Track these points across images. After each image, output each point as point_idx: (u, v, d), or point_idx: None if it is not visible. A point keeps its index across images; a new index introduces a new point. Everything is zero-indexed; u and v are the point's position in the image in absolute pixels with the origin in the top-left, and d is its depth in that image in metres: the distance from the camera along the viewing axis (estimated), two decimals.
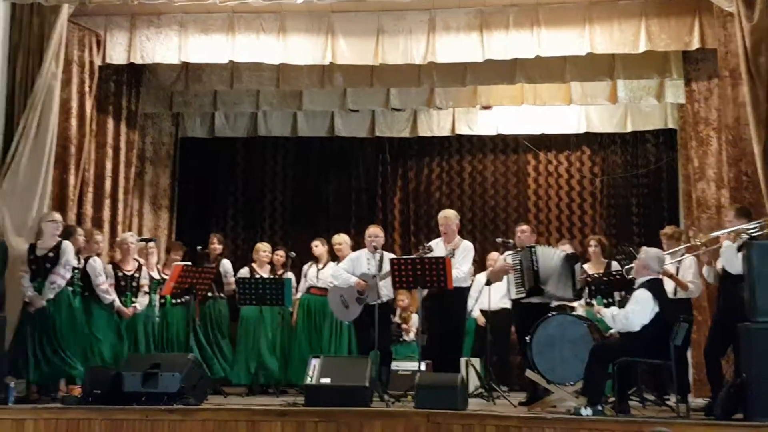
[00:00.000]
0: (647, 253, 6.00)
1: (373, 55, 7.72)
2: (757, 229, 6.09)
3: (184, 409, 5.86)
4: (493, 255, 8.37)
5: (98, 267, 7.09)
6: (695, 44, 7.42)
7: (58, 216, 6.85)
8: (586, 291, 7.43)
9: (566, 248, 7.76)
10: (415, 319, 8.44)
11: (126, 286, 7.29)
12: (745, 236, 6.06)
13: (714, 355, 6.20)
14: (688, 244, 6.74)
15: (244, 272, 8.27)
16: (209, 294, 7.91)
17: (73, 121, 7.71)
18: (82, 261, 7.01)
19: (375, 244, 7.22)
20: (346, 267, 7.35)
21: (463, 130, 9.70)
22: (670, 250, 6.88)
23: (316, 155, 10.35)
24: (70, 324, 6.73)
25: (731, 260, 5.98)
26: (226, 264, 8.36)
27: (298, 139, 10.05)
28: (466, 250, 7.16)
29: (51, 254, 6.63)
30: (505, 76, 8.19)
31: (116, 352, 7.09)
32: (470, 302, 7.43)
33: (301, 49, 7.81)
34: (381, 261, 7.15)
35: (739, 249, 5.94)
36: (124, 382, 6.00)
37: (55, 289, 6.58)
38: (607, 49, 7.57)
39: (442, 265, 6.56)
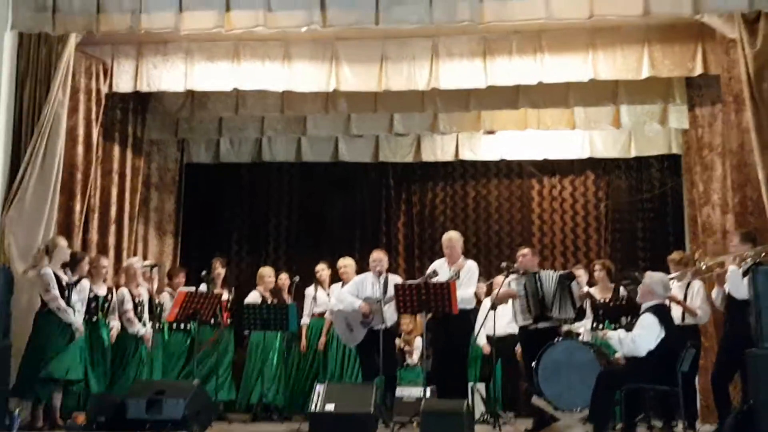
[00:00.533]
0: (651, 278, 6.00)
1: (377, 82, 7.77)
2: (762, 255, 6.09)
3: None
4: (498, 279, 8.38)
5: (127, 296, 7.23)
6: (698, 70, 7.44)
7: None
8: (591, 315, 7.42)
9: (579, 272, 7.77)
10: (418, 341, 8.42)
11: (140, 312, 7.33)
12: (750, 261, 6.06)
13: (721, 381, 6.17)
14: (694, 269, 6.72)
15: (254, 297, 8.26)
16: (212, 321, 7.89)
17: (80, 148, 7.76)
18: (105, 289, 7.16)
19: (379, 268, 7.22)
20: (351, 290, 7.35)
21: (466, 155, 9.73)
22: (675, 274, 6.87)
23: (321, 180, 10.37)
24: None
25: (737, 285, 5.97)
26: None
27: (302, 164, 10.08)
28: (470, 271, 7.16)
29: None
30: (508, 101, 8.23)
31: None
32: (476, 328, 7.41)
33: (305, 75, 7.85)
34: (386, 284, 7.15)
35: (745, 274, 5.93)
36: (128, 409, 5.98)
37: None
38: (610, 75, 7.60)
39: (446, 290, 6.56)
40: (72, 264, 6.80)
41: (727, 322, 6.38)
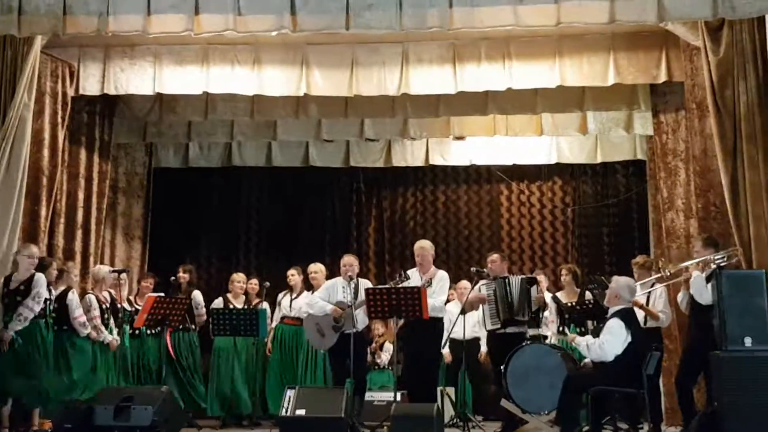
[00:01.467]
0: (618, 282, 6.08)
1: (348, 87, 7.79)
2: (724, 259, 6.20)
3: None
4: (463, 283, 8.45)
5: (76, 300, 7.03)
6: (663, 77, 7.58)
7: (35, 249, 6.79)
8: (558, 319, 7.50)
9: (541, 277, 7.86)
10: (388, 345, 8.45)
11: (107, 318, 7.24)
12: (713, 266, 6.17)
13: (686, 384, 6.27)
14: (659, 275, 6.83)
15: (218, 303, 8.22)
16: (181, 326, 7.83)
17: (45, 152, 7.66)
18: (54, 293, 6.91)
19: (350, 273, 7.22)
20: (322, 295, 7.34)
21: (436, 160, 9.80)
22: (642, 281, 6.97)
23: (291, 185, 10.36)
24: (43, 357, 6.63)
25: (700, 290, 6.08)
26: (197, 296, 8.30)
27: (272, 169, 10.05)
28: (442, 280, 7.20)
29: (23, 287, 6.54)
30: (477, 107, 8.30)
31: (88, 385, 6.99)
32: (445, 334, 7.44)
33: (275, 80, 7.84)
34: (356, 289, 7.16)
35: (708, 279, 6.03)
36: (95, 416, 5.90)
37: (22, 322, 6.47)
38: (577, 81, 7.71)
39: (417, 294, 6.58)
40: (41, 269, 6.70)
41: (691, 325, 6.49)
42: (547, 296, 7.60)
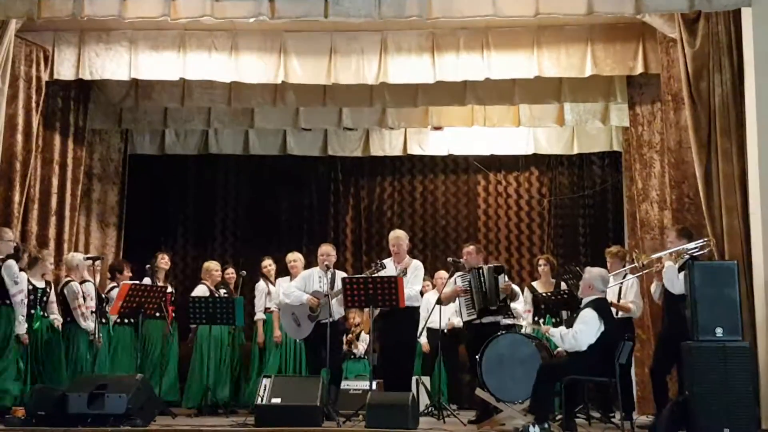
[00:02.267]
0: (591, 273, 6.13)
1: (326, 75, 7.76)
2: (697, 250, 6.28)
3: (130, 430, 5.76)
4: (440, 273, 8.48)
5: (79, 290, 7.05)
6: (639, 69, 7.63)
7: (10, 234, 6.75)
8: (532, 308, 7.55)
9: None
10: (364, 335, 8.47)
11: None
12: (686, 256, 6.24)
13: (659, 374, 6.33)
14: (632, 266, 6.90)
15: (201, 290, 8.18)
16: (157, 314, 7.79)
17: (19, 137, 7.56)
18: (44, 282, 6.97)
19: (327, 262, 7.21)
20: (298, 285, 7.33)
21: (414, 150, 9.81)
22: (615, 270, 7.03)
23: (268, 173, 10.31)
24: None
25: (672, 280, 6.14)
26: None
27: (250, 157, 10.01)
28: (416, 269, 7.21)
29: None
30: (455, 97, 8.31)
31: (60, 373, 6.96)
32: (421, 323, 7.48)
33: (253, 67, 7.80)
34: (333, 279, 7.15)
35: (680, 269, 6.10)
36: (69, 404, 5.86)
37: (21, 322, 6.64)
38: (555, 72, 7.74)
39: (393, 284, 6.58)
40: (14, 256, 6.64)
41: (664, 315, 6.56)
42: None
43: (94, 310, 7.25)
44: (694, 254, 6.25)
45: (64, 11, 6.69)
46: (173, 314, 8.15)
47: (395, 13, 6.63)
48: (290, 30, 7.66)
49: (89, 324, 7.15)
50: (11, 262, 6.62)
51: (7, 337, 6.62)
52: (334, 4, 6.55)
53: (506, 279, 7.11)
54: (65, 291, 7.18)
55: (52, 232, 8.21)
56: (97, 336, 7.17)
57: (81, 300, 7.15)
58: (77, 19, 6.85)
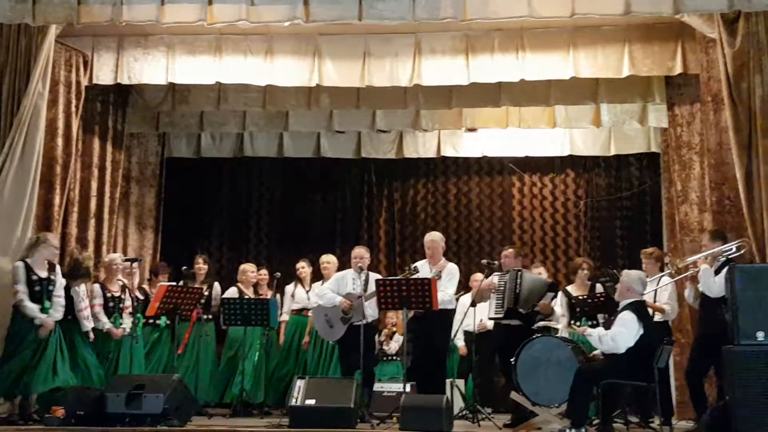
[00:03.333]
0: (629, 275, 6.06)
1: (360, 78, 7.78)
2: (733, 251, 6.17)
3: (167, 430, 5.83)
4: (477, 276, 8.43)
5: (81, 293, 7.03)
6: (678, 69, 7.53)
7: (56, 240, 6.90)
8: (568, 312, 7.48)
9: (540, 271, 7.86)
10: (398, 336, 8.46)
11: (114, 307, 7.25)
12: (722, 259, 6.14)
13: (696, 378, 6.25)
14: (668, 271, 6.81)
15: (232, 292, 8.25)
16: (200, 317, 7.86)
17: (59, 141, 7.70)
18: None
19: (360, 264, 7.22)
20: (332, 287, 7.35)
21: (448, 152, 9.78)
22: (650, 272, 6.92)
23: (302, 176, 10.36)
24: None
25: (708, 283, 6.06)
26: (217, 287, 8.39)
27: (284, 159, 10.07)
28: (451, 273, 7.19)
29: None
30: (490, 99, 8.27)
31: (99, 374, 7.03)
32: (455, 325, 7.44)
33: (288, 70, 7.85)
34: (366, 281, 7.16)
35: (717, 272, 6.00)
36: (107, 403, 5.96)
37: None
38: (591, 73, 7.66)
39: (427, 286, 6.57)
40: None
41: (701, 319, 6.46)
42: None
43: (131, 310, 7.32)
44: (730, 256, 6.14)
45: (102, 17, 6.80)
46: (197, 316, 8.12)
47: (429, 14, 6.62)
48: (324, 33, 7.70)
49: (103, 322, 7.18)
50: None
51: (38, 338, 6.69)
52: (369, 7, 6.56)
53: (552, 301, 7.04)
54: (71, 293, 7.16)
55: (91, 234, 8.35)
56: (133, 335, 7.24)
57: (87, 302, 7.15)
58: (116, 25, 6.95)
